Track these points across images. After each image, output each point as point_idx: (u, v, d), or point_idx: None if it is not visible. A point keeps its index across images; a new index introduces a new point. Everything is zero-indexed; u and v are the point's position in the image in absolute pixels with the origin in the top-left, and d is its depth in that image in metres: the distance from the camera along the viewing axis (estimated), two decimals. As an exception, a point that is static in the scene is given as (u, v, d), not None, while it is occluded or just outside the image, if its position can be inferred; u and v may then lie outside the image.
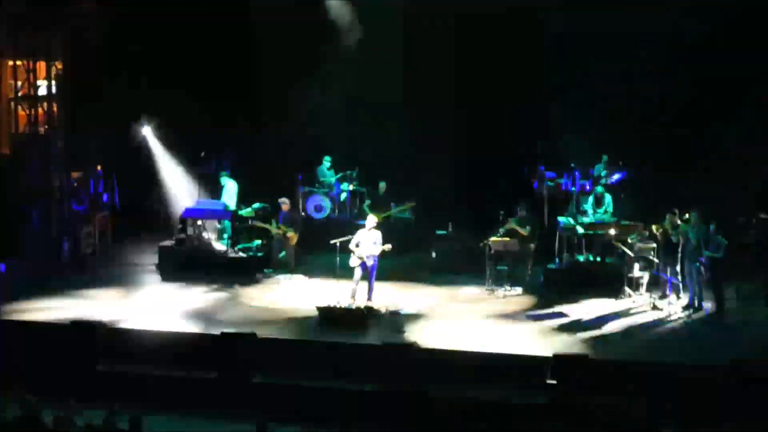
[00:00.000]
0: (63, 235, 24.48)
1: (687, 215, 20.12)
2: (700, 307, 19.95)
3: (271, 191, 24.54)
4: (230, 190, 24.03)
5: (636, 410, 15.20)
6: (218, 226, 24.04)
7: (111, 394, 16.09)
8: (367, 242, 20.12)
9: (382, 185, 25.02)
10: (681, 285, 20.39)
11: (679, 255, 20.15)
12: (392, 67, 25.72)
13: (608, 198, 22.47)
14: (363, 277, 20.20)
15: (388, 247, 20.18)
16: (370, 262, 20.15)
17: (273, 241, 23.13)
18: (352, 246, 20.18)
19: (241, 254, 23.38)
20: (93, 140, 26.05)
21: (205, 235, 23.84)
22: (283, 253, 23.13)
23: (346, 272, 20.71)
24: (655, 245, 20.75)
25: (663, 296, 20.38)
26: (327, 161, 25.90)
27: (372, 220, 20.45)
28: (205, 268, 23.06)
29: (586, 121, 24.10)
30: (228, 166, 24.94)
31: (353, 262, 20.20)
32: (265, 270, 22.94)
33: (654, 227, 20.43)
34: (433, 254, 23.64)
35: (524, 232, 21.78)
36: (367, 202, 24.92)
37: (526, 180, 24.48)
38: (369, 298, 20.30)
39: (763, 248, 21.55)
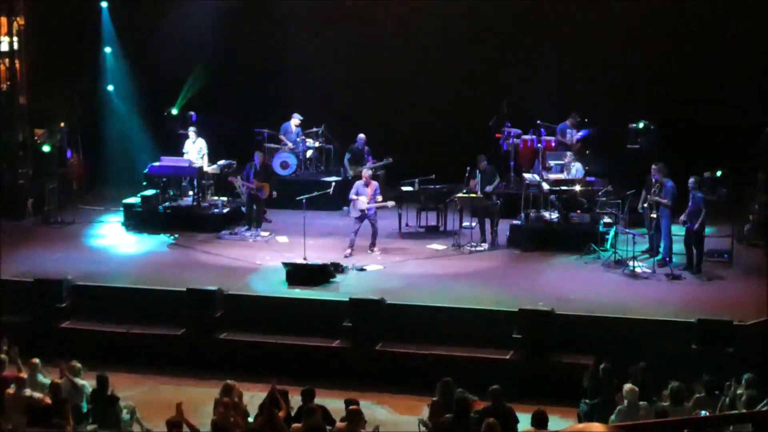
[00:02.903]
0: (27, 191, 24.28)
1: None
2: (668, 261, 19.98)
3: (236, 148, 24.71)
4: (200, 147, 23.78)
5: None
6: (183, 182, 23.92)
7: (75, 352, 15.99)
8: (367, 193, 20.83)
9: (361, 137, 24.61)
10: (647, 238, 20.53)
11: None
12: (367, 28, 25.75)
13: (577, 166, 22.41)
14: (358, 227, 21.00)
15: (391, 203, 21.27)
16: (371, 212, 20.89)
17: (250, 198, 22.82)
18: (352, 196, 20.88)
19: (206, 211, 23.32)
20: (57, 97, 25.86)
21: (169, 191, 23.73)
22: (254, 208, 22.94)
23: (312, 229, 20.81)
24: (619, 201, 20.90)
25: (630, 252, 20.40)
26: (296, 118, 25.48)
27: (368, 172, 21.26)
28: (171, 224, 22.99)
29: (552, 77, 24.16)
30: (195, 123, 24.85)
31: (354, 212, 20.90)
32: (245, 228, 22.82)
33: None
34: (399, 211, 23.67)
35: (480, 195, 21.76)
36: (348, 156, 24.57)
37: (491, 136, 24.37)
38: (374, 244, 21.10)
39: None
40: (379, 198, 21.01)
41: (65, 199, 24.76)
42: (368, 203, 20.84)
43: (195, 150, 23.72)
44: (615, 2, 24.14)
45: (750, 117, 22.44)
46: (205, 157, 23.73)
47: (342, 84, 25.96)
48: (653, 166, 20.39)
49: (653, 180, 20.24)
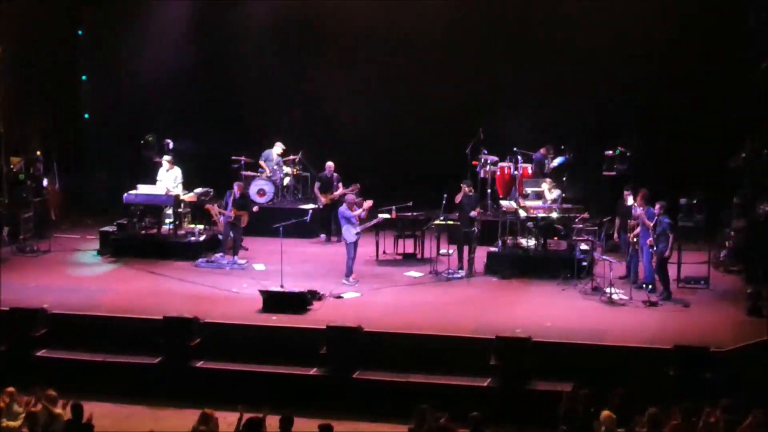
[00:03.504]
0: (3, 220, 24.16)
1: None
2: (645, 287, 19.99)
3: (214, 176, 24.85)
4: (176, 175, 23.72)
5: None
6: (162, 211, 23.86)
7: (51, 380, 15.86)
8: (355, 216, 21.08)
9: (330, 164, 24.55)
10: (625, 264, 20.58)
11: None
12: (343, 53, 25.96)
13: (557, 192, 22.47)
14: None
15: (382, 218, 22.11)
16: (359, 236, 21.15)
17: (227, 226, 22.74)
18: (354, 216, 20.96)
19: (183, 239, 23.27)
20: (33, 125, 25.80)
21: (146, 220, 23.66)
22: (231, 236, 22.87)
23: (289, 257, 20.80)
24: (596, 228, 20.97)
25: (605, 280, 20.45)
26: (279, 147, 25.48)
27: (351, 196, 21.83)
28: (147, 253, 22.96)
29: (529, 102, 24.30)
30: (171, 150, 24.85)
31: (350, 237, 20.93)
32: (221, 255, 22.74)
33: None
34: (376, 238, 23.63)
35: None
36: (318, 184, 24.52)
37: (468, 163, 24.41)
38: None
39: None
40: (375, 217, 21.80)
41: (42, 227, 24.64)
42: (363, 226, 21.23)
43: (170, 178, 23.65)
44: (588, 23, 24.24)
45: (725, 140, 22.67)
46: (180, 186, 23.68)
47: (319, 111, 26.08)
48: (624, 192, 20.58)
49: (626, 205, 20.41)
